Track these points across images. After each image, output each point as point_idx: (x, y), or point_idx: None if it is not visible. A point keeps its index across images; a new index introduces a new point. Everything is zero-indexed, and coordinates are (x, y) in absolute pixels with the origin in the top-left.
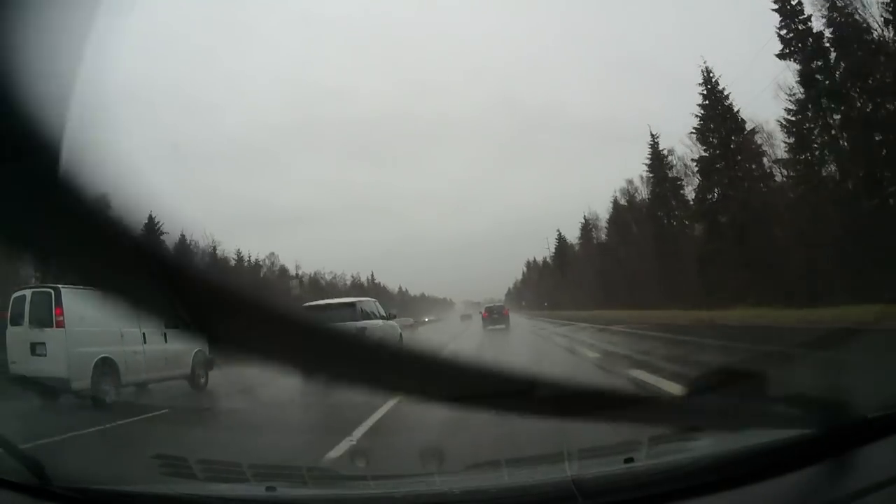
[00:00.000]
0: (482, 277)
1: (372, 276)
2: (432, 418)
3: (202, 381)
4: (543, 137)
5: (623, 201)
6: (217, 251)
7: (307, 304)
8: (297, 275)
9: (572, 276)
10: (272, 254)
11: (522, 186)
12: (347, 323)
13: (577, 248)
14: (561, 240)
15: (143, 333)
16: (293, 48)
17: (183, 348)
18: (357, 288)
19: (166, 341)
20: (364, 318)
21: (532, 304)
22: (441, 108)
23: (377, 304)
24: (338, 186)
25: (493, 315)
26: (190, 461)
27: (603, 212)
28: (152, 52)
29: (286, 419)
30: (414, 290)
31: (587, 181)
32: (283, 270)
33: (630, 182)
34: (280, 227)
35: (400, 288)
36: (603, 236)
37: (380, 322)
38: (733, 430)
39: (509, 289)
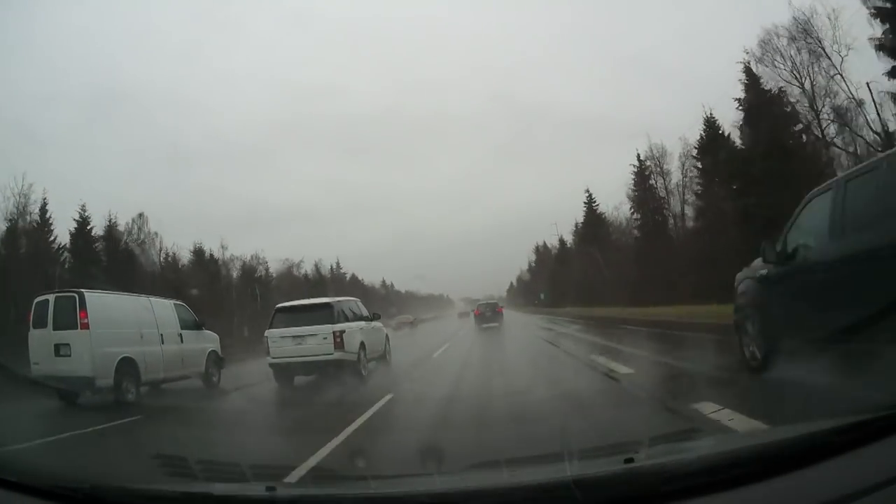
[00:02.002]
0: (483, 274)
1: (337, 264)
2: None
3: (215, 379)
4: (542, 134)
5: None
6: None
7: (279, 305)
8: (209, 254)
9: (611, 254)
10: (141, 215)
11: (521, 183)
12: (322, 326)
13: (618, 212)
14: (591, 205)
15: (161, 334)
16: (285, 45)
17: (197, 348)
18: (312, 283)
19: (182, 342)
20: (342, 321)
21: (549, 298)
22: (438, 104)
23: (359, 303)
24: (334, 184)
25: (486, 313)
26: (190, 461)
27: (670, 140)
28: (142, 51)
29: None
30: (413, 288)
31: (586, 178)
32: (199, 252)
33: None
34: (274, 226)
35: (384, 282)
36: (674, 182)
37: (361, 324)
38: (733, 430)
39: (512, 283)
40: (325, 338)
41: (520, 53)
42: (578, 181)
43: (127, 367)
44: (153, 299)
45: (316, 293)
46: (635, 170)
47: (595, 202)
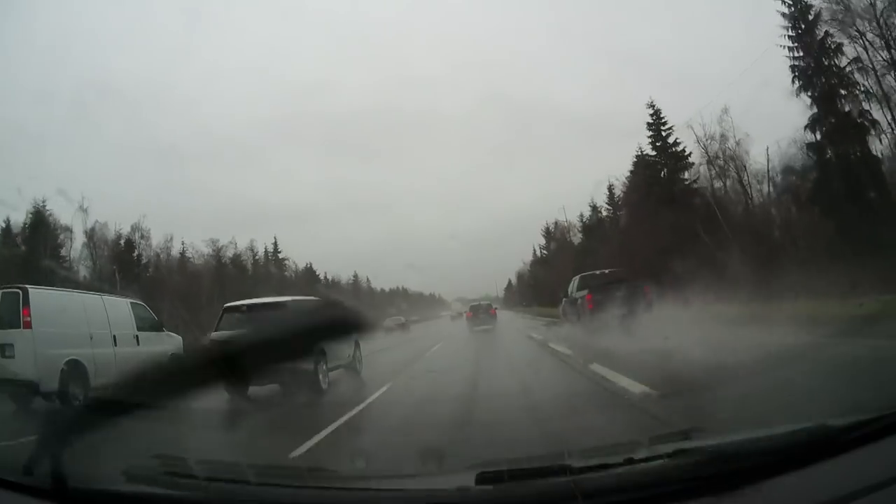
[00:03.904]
0: (479, 275)
1: (275, 246)
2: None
3: None
4: (537, 133)
5: None
6: None
7: (227, 304)
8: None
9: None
10: None
11: (517, 183)
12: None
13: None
14: (659, 127)
15: (114, 336)
16: (273, 41)
17: (156, 351)
18: (228, 271)
19: (139, 344)
20: None
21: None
22: (431, 102)
23: None
24: (324, 183)
25: (480, 315)
26: (190, 461)
27: None
28: (128, 47)
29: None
30: (404, 286)
31: (582, 178)
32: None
33: None
34: (266, 224)
35: (356, 277)
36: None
37: None
38: (733, 430)
39: (510, 281)
40: None
41: (514, 51)
42: (574, 180)
43: (74, 370)
44: (106, 297)
45: (228, 286)
46: (790, 21)
47: (664, 122)
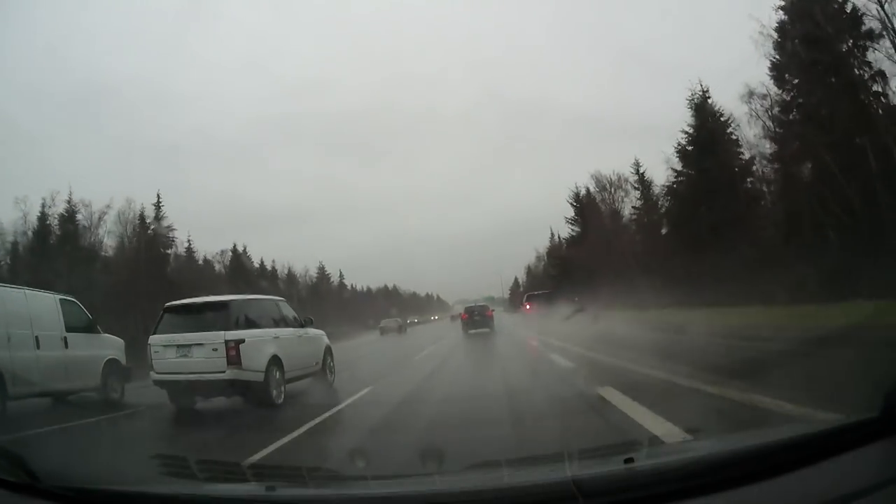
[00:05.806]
0: (483, 276)
1: (157, 205)
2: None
3: (116, 394)
4: (537, 132)
5: None
6: None
7: (168, 304)
8: None
9: None
10: None
11: (520, 183)
12: (213, 333)
13: None
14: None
15: (37, 337)
16: (269, 38)
17: (90, 355)
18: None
19: (67, 347)
20: (244, 327)
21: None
22: (429, 101)
23: (282, 304)
24: (321, 183)
25: (474, 317)
26: (190, 461)
27: None
28: (122, 45)
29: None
30: (408, 289)
31: (584, 177)
32: None
33: None
34: (260, 225)
35: (322, 269)
36: None
37: (280, 332)
38: (732, 431)
39: (517, 280)
40: (214, 349)
41: (514, 49)
42: (576, 179)
43: None
44: (28, 292)
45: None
46: None
47: None
